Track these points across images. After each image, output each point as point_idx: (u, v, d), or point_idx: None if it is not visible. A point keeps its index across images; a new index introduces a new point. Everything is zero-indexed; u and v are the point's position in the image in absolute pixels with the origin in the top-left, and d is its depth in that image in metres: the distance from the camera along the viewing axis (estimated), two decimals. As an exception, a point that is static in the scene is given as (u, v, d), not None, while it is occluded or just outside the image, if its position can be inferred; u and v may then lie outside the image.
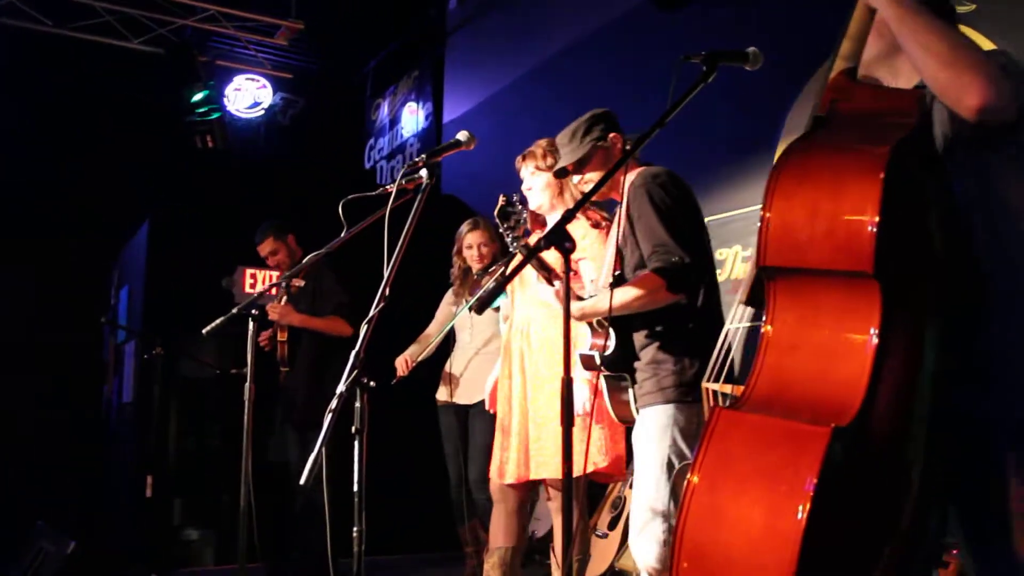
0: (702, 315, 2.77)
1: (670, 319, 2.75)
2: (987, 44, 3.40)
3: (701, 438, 1.63)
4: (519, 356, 3.67)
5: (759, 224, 1.70)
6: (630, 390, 2.84)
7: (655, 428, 2.70)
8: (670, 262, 2.65)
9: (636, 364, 2.81)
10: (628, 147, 2.91)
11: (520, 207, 2.70)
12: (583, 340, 2.92)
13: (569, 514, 1.77)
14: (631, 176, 2.82)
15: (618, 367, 2.81)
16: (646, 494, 2.69)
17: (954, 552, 2.79)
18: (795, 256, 1.66)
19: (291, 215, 5.76)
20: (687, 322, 2.74)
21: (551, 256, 2.68)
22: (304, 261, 3.07)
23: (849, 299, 1.62)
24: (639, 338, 2.82)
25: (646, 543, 2.68)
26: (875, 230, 1.55)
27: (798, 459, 1.51)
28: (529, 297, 3.66)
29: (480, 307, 2.00)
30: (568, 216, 1.81)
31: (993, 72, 1.73)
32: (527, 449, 3.62)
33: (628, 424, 2.92)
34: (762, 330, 1.72)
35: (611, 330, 2.78)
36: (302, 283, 4.63)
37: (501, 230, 2.71)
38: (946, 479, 1.80)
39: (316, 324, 4.91)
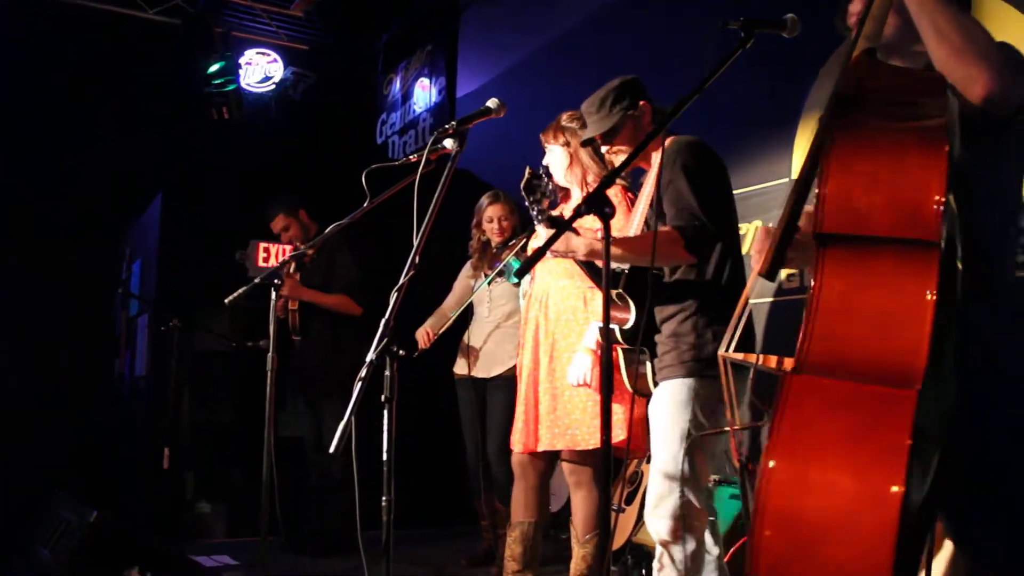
0: (726, 290, 2.75)
1: (694, 293, 2.74)
2: (1014, 14, 3.36)
3: (775, 404, 1.61)
4: (534, 326, 3.67)
5: (816, 193, 1.70)
6: (648, 363, 2.83)
7: (675, 401, 2.69)
8: (691, 223, 2.65)
9: (656, 337, 2.80)
10: (658, 115, 2.90)
11: (546, 180, 2.66)
12: (598, 312, 2.91)
13: (607, 486, 1.75)
14: (665, 143, 2.79)
15: (637, 340, 2.78)
16: (664, 467, 2.68)
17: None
18: (854, 223, 1.68)
19: (303, 189, 5.75)
20: (710, 296, 2.72)
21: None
22: (325, 233, 3.04)
23: (904, 266, 1.64)
24: (661, 312, 2.81)
25: (661, 517, 2.68)
26: (942, 201, 1.60)
27: (887, 420, 1.52)
28: (547, 268, 3.65)
29: (521, 273, 1.99)
30: (608, 181, 1.79)
31: (1001, 63, 1.80)
32: (536, 419, 3.63)
33: (645, 396, 2.91)
34: (811, 294, 1.72)
35: (631, 303, 2.76)
36: (311, 253, 4.62)
37: (527, 203, 2.67)
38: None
39: (324, 300, 4.93)
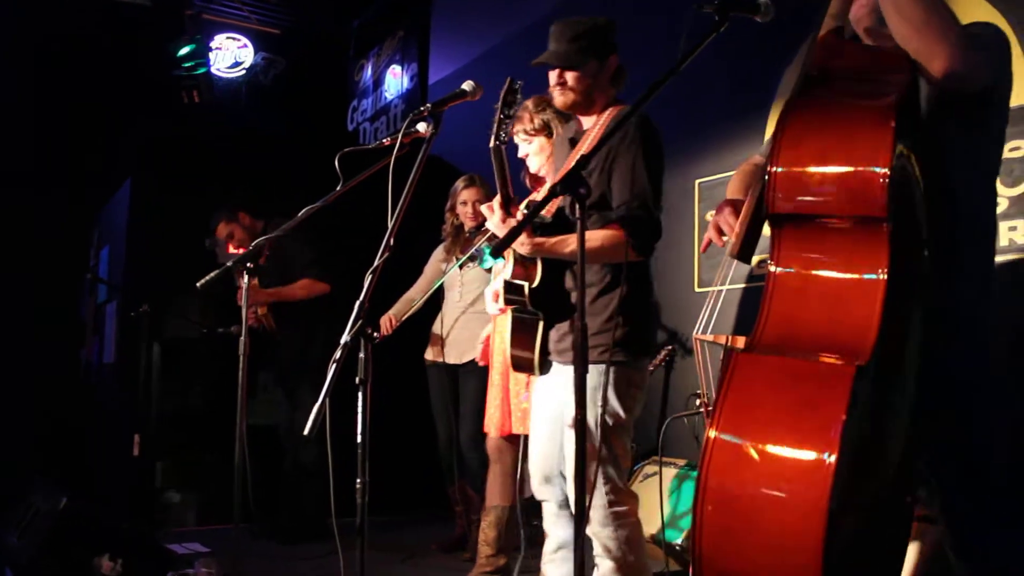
0: (641, 275, 2.72)
1: (609, 274, 2.66)
2: (982, 4, 3.39)
3: (720, 382, 1.64)
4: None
5: (766, 175, 1.72)
6: (538, 333, 2.72)
7: (588, 387, 2.61)
8: (644, 221, 2.57)
9: (567, 314, 2.70)
10: (619, 75, 2.81)
11: (520, 98, 2.61)
12: (506, 270, 2.80)
13: (582, 467, 1.76)
14: (620, 110, 2.73)
15: (540, 305, 2.70)
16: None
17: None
18: (805, 203, 1.71)
19: (273, 175, 5.72)
20: (628, 279, 2.62)
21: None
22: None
23: (857, 243, 1.67)
24: (572, 280, 2.71)
25: (592, 506, 2.60)
26: (887, 176, 1.62)
27: (824, 396, 1.54)
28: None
29: (496, 252, 1.99)
30: (584, 163, 1.78)
31: (960, 41, 1.84)
32: (509, 402, 3.65)
33: (522, 371, 2.84)
34: (768, 274, 1.74)
35: (540, 263, 2.67)
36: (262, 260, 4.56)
37: (499, 115, 2.59)
38: (920, 438, 1.85)
39: (286, 294, 4.91)
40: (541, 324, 2.72)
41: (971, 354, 1.97)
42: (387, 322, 4.59)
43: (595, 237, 2.55)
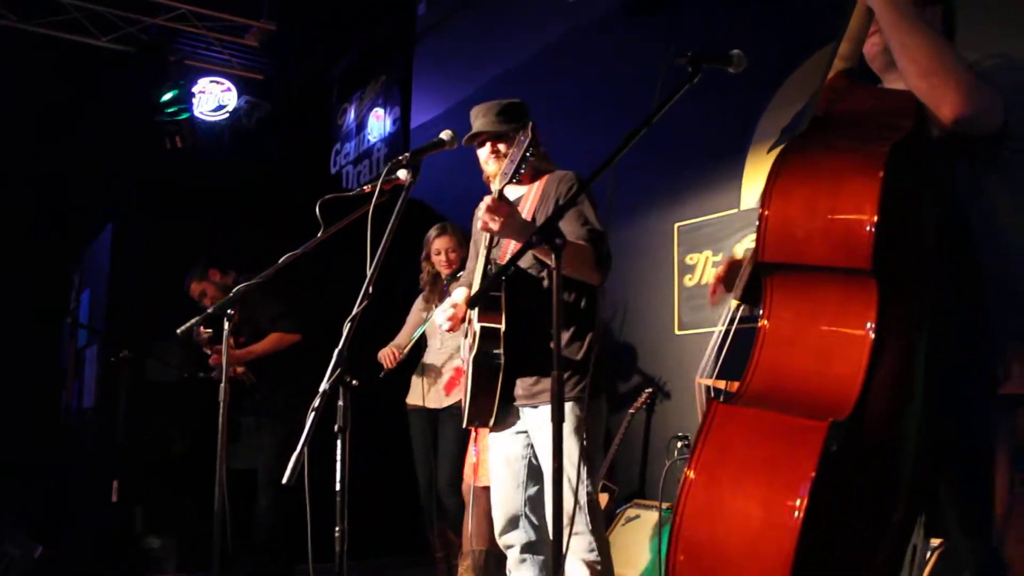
0: (596, 321, 2.89)
1: (577, 317, 2.84)
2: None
3: (699, 432, 1.64)
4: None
5: (757, 221, 1.72)
6: (498, 382, 2.80)
7: (569, 421, 2.73)
8: (599, 239, 2.76)
9: (532, 361, 2.79)
10: (542, 148, 2.92)
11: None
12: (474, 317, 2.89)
13: (559, 512, 1.76)
14: (558, 173, 2.94)
15: (511, 350, 2.79)
16: (567, 486, 2.64)
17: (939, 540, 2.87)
18: (793, 252, 1.69)
19: (256, 219, 5.73)
20: (585, 325, 2.83)
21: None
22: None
23: (846, 295, 1.65)
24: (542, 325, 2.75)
25: (576, 536, 2.66)
26: (873, 228, 1.59)
27: (796, 452, 1.53)
28: None
29: (472, 304, 2.01)
30: (562, 211, 1.81)
31: (970, 84, 1.81)
32: (478, 451, 3.66)
33: (477, 425, 2.95)
34: (759, 325, 1.74)
35: (504, 312, 2.78)
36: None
37: (513, 165, 2.60)
38: (934, 471, 1.85)
39: (261, 350, 4.89)
40: (500, 373, 2.78)
41: (998, 395, 1.97)
42: (389, 355, 4.55)
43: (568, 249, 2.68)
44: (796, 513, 1.48)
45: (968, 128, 1.83)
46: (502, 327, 2.76)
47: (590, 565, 2.70)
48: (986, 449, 1.93)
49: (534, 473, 2.88)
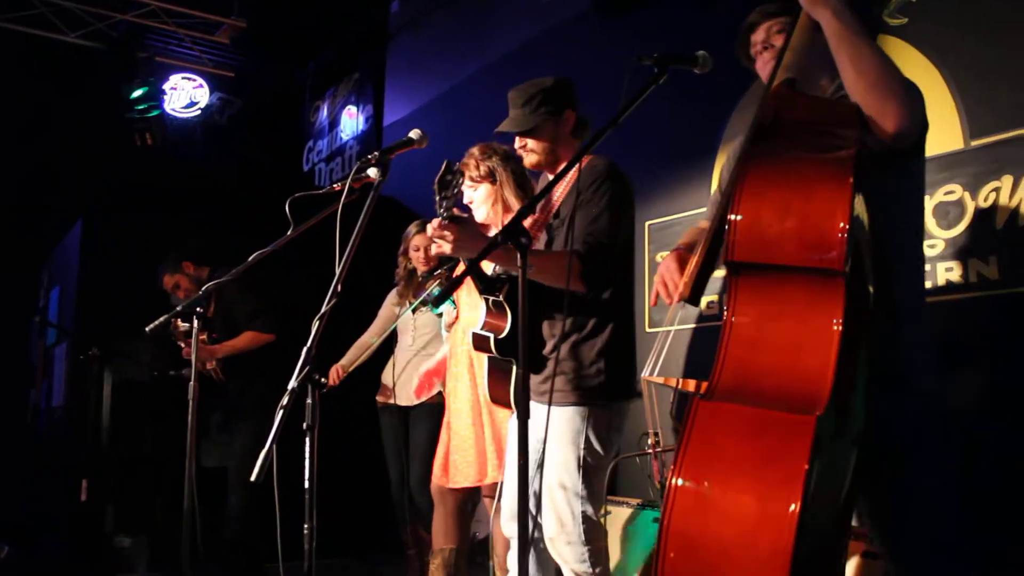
0: (619, 316, 2.76)
1: (586, 315, 2.72)
2: (917, 56, 3.52)
3: (682, 429, 1.65)
4: (467, 359, 3.68)
5: (728, 222, 1.74)
6: (512, 378, 2.77)
7: (569, 430, 2.67)
8: (594, 250, 2.64)
9: (547, 355, 2.75)
10: (581, 128, 2.89)
11: (459, 178, 2.62)
12: (479, 319, 2.84)
13: (524, 513, 1.78)
14: (592, 161, 2.77)
15: (510, 352, 2.73)
16: (562, 495, 2.68)
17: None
18: (763, 252, 1.73)
19: (228, 216, 5.71)
20: (604, 320, 2.71)
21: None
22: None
23: (814, 293, 1.69)
24: (549, 329, 2.77)
25: (567, 543, 2.67)
26: (845, 230, 1.64)
27: (787, 446, 1.56)
28: (475, 301, 3.65)
29: (436, 303, 2.01)
30: (526, 211, 1.83)
31: (910, 101, 1.88)
32: (448, 455, 3.66)
33: (501, 406, 2.89)
34: (725, 321, 1.76)
35: (509, 312, 2.73)
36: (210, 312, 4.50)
37: (437, 198, 2.57)
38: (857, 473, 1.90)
39: (234, 347, 4.88)
40: (513, 369, 2.75)
41: (912, 399, 2.00)
42: (335, 373, 4.61)
43: (548, 256, 2.68)
44: (793, 505, 1.50)
45: (904, 142, 1.90)
46: (500, 333, 2.72)
47: (579, 575, 2.68)
48: (903, 455, 1.98)
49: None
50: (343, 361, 4.68)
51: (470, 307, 3.71)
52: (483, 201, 3.35)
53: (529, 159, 2.89)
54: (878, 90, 1.87)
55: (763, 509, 1.54)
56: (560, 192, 2.86)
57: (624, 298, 2.81)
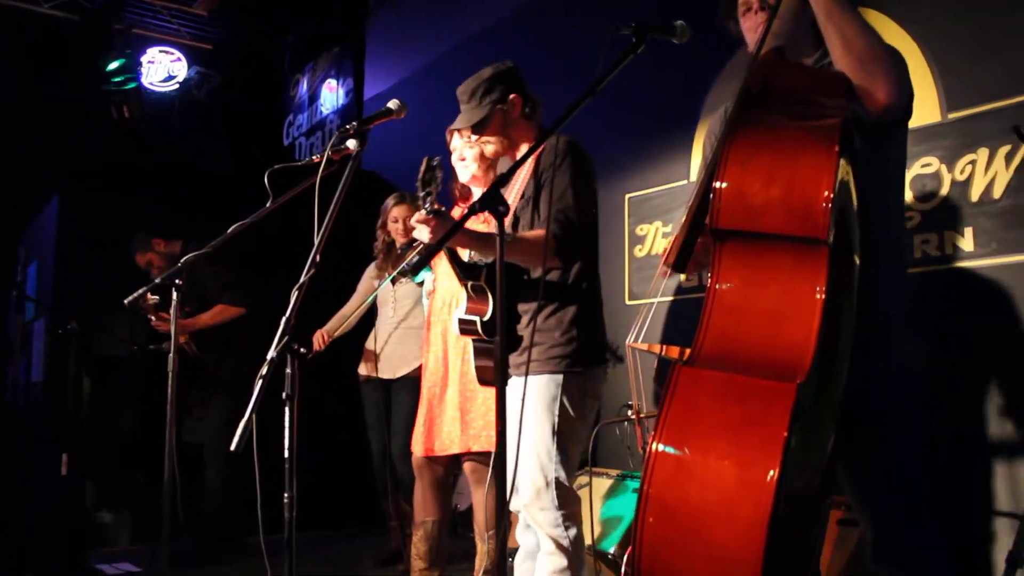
0: (587, 287, 2.85)
1: (556, 290, 2.81)
2: (895, 29, 3.53)
3: (664, 394, 1.66)
4: (442, 328, 3.69)
5: (713, 189, 1.75)
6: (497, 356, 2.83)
7: (544, 398, 2.75)
8: (565, 226, 2.70)
9: (519, 328, 2.83)
10: (530, 108, 2.93)
11: (439, 173, 2.66)
12: (461, 304, 2.88)
13: (503, 483, 1.79)
14: (551, 140, 2.80)
15: (495, 333, 2.79)
16: (540, 460, 2.74)
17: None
18: (748, 220, 1.73)
19: (208, 191, 5.67)
20: (573, 293, 2.81)
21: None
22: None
23: (798, 261, 1.69)
24: (524, 306, 2.85)
25: (543, 508, 2.74)
26: (830, 199, 1.64)
27: (768, 413, 1.56)
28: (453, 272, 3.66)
29: (413, 271, 2.02)
30: (502, 180, 1.83)
31: (900, 72, 1.88)
32: (432, 423, 3.67)
33: (488, 385, 2.95)
34: (708, 289, 1.77)
35: (490, 295, 2.78)
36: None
37: (421, 194, 2.61)
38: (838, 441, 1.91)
39: (206, 321, 4.88)
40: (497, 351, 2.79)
41: (892, 369, 2.02)
42: (320, 337, 4.60)
43: (524, 236, 2.71)
44: (771, 472, 1.51)
45: (891, 115, 1.91)
46: (484, 316, 2.76)
47: (555, 539, 2.74)
48: (881, 423, 2.00)
49: None
50: (327, 327, 4.67)
51: (450, 276, 3.72)
52: (475, 159, 3.40)
53: (488, 149, 2.99)
54: (868, 64, 1.87)
55: (742, 475, 1.55)
56: (524, 174, 2.92)
57: (592, 269, 2.89)
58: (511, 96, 2.89)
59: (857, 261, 1.90)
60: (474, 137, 3.00)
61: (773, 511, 1.50)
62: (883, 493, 2.02)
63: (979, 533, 3.11)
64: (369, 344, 4.70)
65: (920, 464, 2.05)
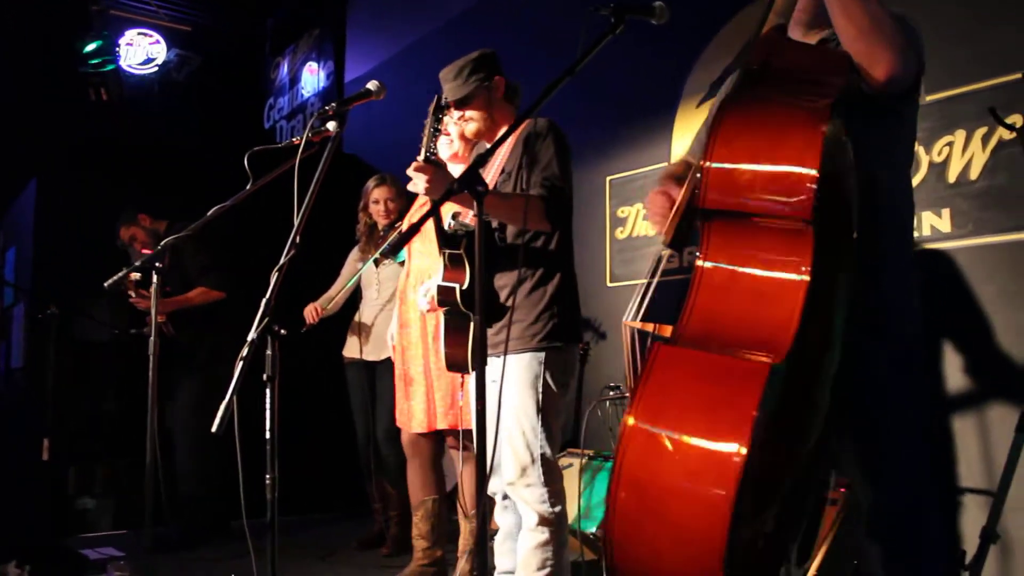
0: (564, 266, 2.92)
1: (536, 265, 2.87)
2: None
3: (641, 371, 1.66)
4: (416, 306, 3.70)
5: (700, 168, 1.75)
6: (470, 332, 2.86)
7: (527, 376, 2.80)
8: (553, 191, 2.78)
9: (503, 304, 2.87)
10: (511, 92, 3.06)
11: (445, 114, 2.79)
12: (437, 273, 2.94)
13: (483, 461, 1.81)
14: (530, 121, 2.83)
15: (470, 305, 2.83)
16: (525, 437, 2.79)
17: (842, 490, 2.97)
18: (734, 200, 1.73)
19: (188, 175, 5.64)
20: (552, 268, 2.88)
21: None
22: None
23: (783, 242, 1.69)
24: (500, 279, 2.91)
25: (530, 485, 2.79)
26: (815, 179, 1.64)
27: (738, 392, 1.57)
28: (428, 250, 3.67)
29: (391, 252, 2.02)
30: (481, 160, 1.83)
31: (903, 45, 1.84)
32: (432, 399, 3.68)
33: (457, 370, 2.97)
34: (695, 268, 1.77)
35: (468, 266, 2.83)
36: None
37: (427, 130, 2.75)
38: (839, 418, 1.92)
39: (186, 302, 4.87)
40: (472, 323, 2.81)
41: (894, 347, 2.01)
42: (312, 311, 4.58)
43: (513, 200, 2.78)
44: (740, 449, 1.51)
45: (896, 88, 1.87)
46: (462, 284, 2.81)
47: (540, 514, 2.79)
48: (888, 411, 2.00)
49: None
50: (319, 302, 4.66)
51: (421, 254, 3.74)
52: (459, 136, 3.42)
53: (470, 128, 3.06)
54: (868, 36, 1.83)
55: (709, 454, 1.56)
56: (504, 153, 2.98)
57: (568, 247, 2.96)
58: (496, 77, 3.02)
59: (855, 236, 1.88)
60: (457, 114, 3.06)
61: (738, 494, 1.50)
62: (880, 468, 2.02)
63: (952, 510, 3.15)
64: (353, 326, 4.70)
65: (919, 441, 2.06)
